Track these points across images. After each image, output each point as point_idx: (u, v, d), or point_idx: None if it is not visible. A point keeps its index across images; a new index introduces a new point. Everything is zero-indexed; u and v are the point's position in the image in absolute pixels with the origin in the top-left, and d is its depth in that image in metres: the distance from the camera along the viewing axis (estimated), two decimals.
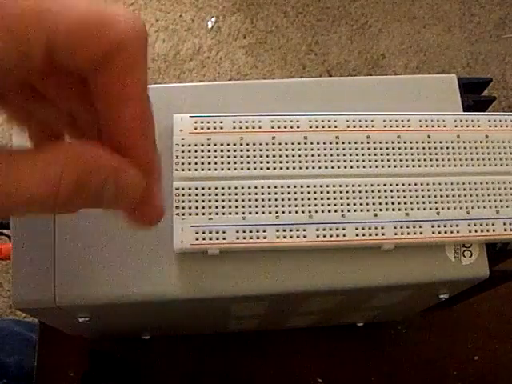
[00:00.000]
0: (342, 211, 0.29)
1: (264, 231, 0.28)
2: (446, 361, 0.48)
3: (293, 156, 0.29)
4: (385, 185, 0.29)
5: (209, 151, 0.29)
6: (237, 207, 0.28)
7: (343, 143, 0.29)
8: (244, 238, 0.28)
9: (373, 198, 0.29)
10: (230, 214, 0.28)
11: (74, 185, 0.18)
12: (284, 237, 0.28)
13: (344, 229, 0.28)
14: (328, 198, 0.29)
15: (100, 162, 0.18)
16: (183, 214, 0.28)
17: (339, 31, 1.14)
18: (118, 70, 0.18)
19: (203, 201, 0.28)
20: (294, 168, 0.29)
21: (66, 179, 0.17)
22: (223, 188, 0.28)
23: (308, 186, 0.29)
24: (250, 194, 0.28)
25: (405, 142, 0.30)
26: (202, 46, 1.12)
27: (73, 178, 0.17)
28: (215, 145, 0.29)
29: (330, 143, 0.29)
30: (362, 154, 0.29)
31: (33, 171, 0.17)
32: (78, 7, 0.17)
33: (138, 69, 0.18)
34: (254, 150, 0.29)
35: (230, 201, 0.28)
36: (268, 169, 0.29)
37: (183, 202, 0.28)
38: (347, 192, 0.29)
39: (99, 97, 0.19)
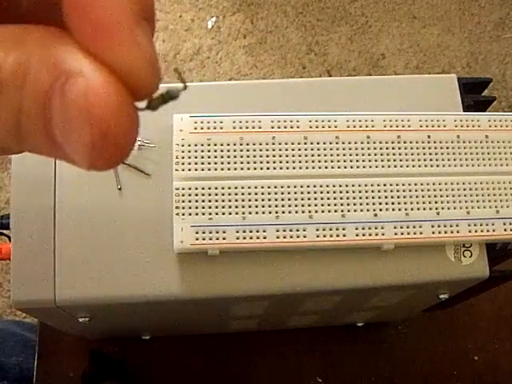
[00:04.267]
0: (342, 211, 0.29)
1: (264, 231, 0.28)
2: (445, 361, 0.48)
3: (293, 156, 0.29)
4: (385, 185, 0.29)
5: (209, 151, 0.29)
6: (237, 207, 0.28)
7: (343, 143, 0.29)
8: (244, 238, 0.28)
9: (373, 197, 0.29)
10: (230, 214, 0.28)
11: None
12: (284, 237, 0.28)
13: (344, 229, 0.28)
14: (328, 198, 0.29)
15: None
16: (183, 214, 0.28)
17: (339, 31, 1.13)
18: None
19: (203, 201, 0.28)
20: (294, 168, 0.29)
21: None
22: (223, 188, 0.28)
23: (308, 186, 0.29)
24: (250, 193, 0.28)
25: (405, 142, 0.30)
26: (202, 46, 1.12)
27: None
28: (215, 145, 0.29)
29: (330, 143, 0.29)
30: (362, 154, 0.29)
31: None
32: None
33: None
34: (254, 150, 0.29)
35: (230, 201, 0.28)
36: (268, 169, 0.29)
37: (183, 201, 0.28)
38: (347, 192, 0.29)
39: None
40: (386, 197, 0.29)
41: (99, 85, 0.12)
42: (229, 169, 0.29)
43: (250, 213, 0.28)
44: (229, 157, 0.29)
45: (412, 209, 0.29)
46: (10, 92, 0.12)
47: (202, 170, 0.29)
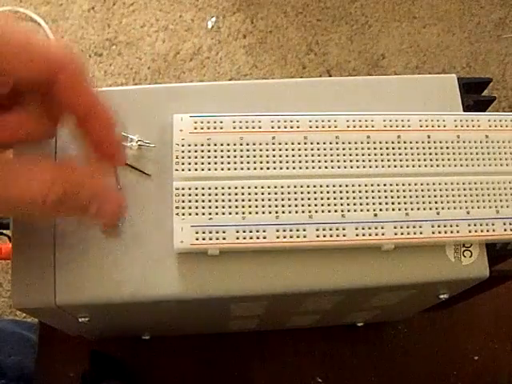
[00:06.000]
0: (342, 211, 0.29)
1: (264, 231, 0.28)
2: (445, 361, 0.48)
3: (293, 156, 0.29)
4: (385, 185, 0.29)
5: (209, 151, 0.29)
6: (237, 207, 0.28)
7: (343, 143, 0.29)
8: (244, 238, 0.28)
9: (373, 197, 0.29)
10: (230, 213, 0.28)
11: (61, 194, 0.23)
12: (284, 237, 0.28)
13: (344, 229, 0.28)
14: (328, 198, 0.29)
15: (86, 181, 0.24)
16: (183, 214, 0.28)
17: (339, 31, 1.14)
18: (63, 83, 0.23)
19: (203, 201, 0.28)
20: (293, 168, 0.29)
21: (53, 189, 0.23)
22: (223, 188, 0.28)
23: (308, 186, 0.29)
24: (250, 193, 0.28)
25: (405, 142, 0.30)
26: (202, 46, 1.12)
27: (59, 189, 0.23)
28: (215, 145, 0.29)
29: (330, 143, 0.29)
30: (362, 154, 0.29)
31: (29, 177, 0.23)
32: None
33: (80, 82, 0.24)
34: (254, 150, 0.29)
35: (230, 201, 0.28)
36: (268, 169, 0.29)
37: (183, 201, 0.28)
38: (347, 192, 0.29)
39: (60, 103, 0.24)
40: (385, 197, 0.29)
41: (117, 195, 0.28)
42: (229, 169, 0.29)
43: (249, 213, 0.28)
44: (229, 157, 0.29)
45: (412, 209, 0.29)
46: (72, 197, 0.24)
47: (202, 170, 0.29)
